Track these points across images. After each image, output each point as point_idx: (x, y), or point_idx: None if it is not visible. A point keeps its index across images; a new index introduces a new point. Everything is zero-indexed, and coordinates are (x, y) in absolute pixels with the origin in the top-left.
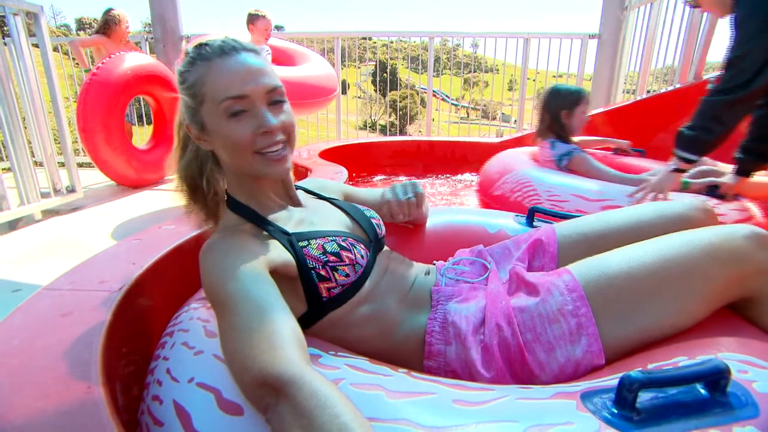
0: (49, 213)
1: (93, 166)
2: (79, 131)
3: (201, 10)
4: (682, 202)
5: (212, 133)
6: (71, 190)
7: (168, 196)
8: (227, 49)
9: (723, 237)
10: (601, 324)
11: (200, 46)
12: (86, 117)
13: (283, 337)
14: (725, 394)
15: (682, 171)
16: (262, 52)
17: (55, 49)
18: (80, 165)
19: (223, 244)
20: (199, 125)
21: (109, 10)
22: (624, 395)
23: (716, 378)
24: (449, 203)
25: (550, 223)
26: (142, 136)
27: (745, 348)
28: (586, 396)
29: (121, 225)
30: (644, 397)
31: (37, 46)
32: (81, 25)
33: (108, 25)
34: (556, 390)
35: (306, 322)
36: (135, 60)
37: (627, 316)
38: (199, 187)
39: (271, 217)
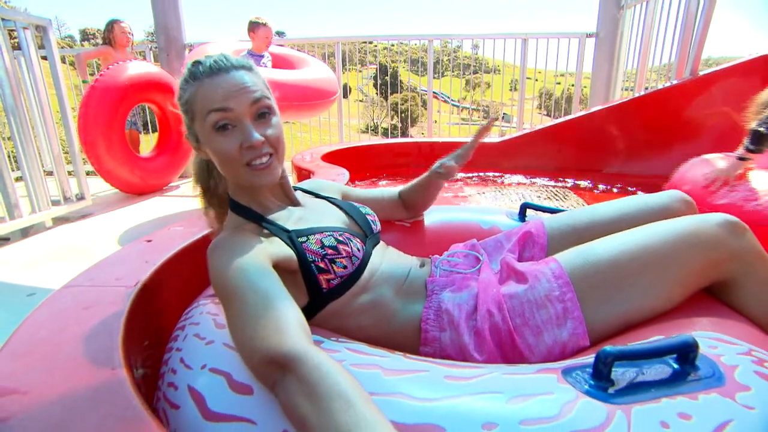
0: (59, 220)
1: None
2: (81, 143)
3: (204, 19)
4: (664, 194)
5: (205, 147)
6: (80, 197)
7: (174, 202)
8: (217, 69)
9: (698, 225)
10: (585, 308)
11: (195, 64)
12: (87, 129)
13: (287, 322)
14: (694, 366)
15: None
16: (255, 68)
17: (62, 60)
18: (89, 173)
19: (229, 241)
20: (195, 139)
21: (112, 21)
22: (600, 368)
23: (685, 351)
24: (449, 202)
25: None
26: (148, 143)
27: (717, 326)
28: (566, 371)
29: (129, 230)
30: (620, 371)
31: (45, 58)
32: (85, 35)
33: (110, 35)
34: (540, 367)
35: (308, 313)
36: (134, 69)
37: (610, 300)
38: (209, 189)
39: (271, 217)
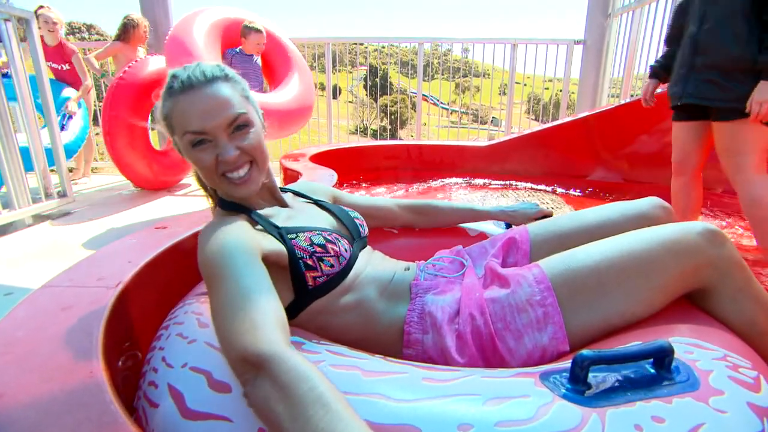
0: (40, 218)
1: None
2: (104, 135)
3: None
4: (644, 200)
5: (185, 158)
6: (62, 194)
7: (161, 203)
8: (189, 85)
9: (680, 233)
10: (566, 313)
11: (172, 77)
12: (111, 122)
13: (266, 318)
14: (670, 371)
15: None
16: (231, 74)
17: None
18: (71, 170)
19: (223, 224)
20: (178, 149)
21: (127, 16)
22: (576, 372)
23: (661, 356)
24: None
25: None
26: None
27: (695, 333)
28: (544, 375)
29: (112, 229)
30: (598, 376)
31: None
32: (71, 29)
33: (126, 30)
34: (517, 371)
35: (293, 310)
36: (158, 64)
37: (591, 306)
38: (208, 187)
39: (261, 212)
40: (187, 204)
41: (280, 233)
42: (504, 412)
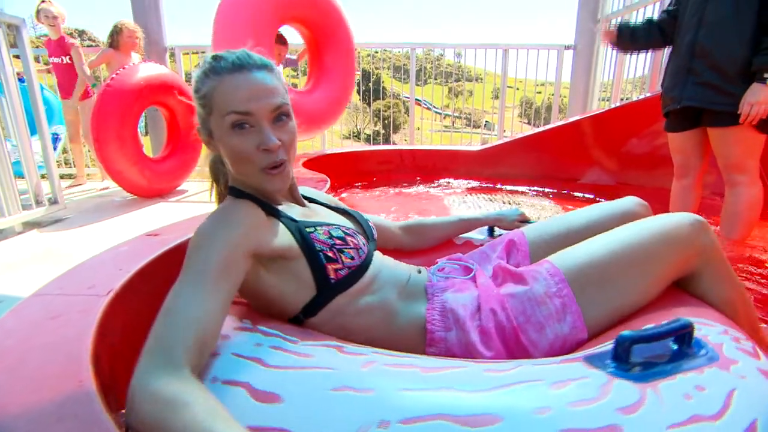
0: (30, 225)
1: (74, 177)
2: (93, 141)
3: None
4: (625, 200)
5: (218, 142)
6: (53, 201)
7: (155, 209)
8: (239, 65)
9: (674, 224)
10: (581, 303)
11: (216, 58)
12: (100, 128)
13: (177, 332)
14: (690, 346)
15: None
16: (275, 68)
17: (36, 60)
18: (62, 177)
19: (229, 211)
20: (208, 132)
21: (120, 24)
22: (620, 352)
23: (684, 332)
24: (427, 210)
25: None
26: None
27: (694, 313)
28: (588, 359)
29: (104, 237)
30: (633, 354)
31: (18, 57)
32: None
33: (113, 36)
34: (562, 358)
35: (314, 307)
36: (149, 70)
37: (601, 296)
38: (219, 183)
39: (279, 208)
40: (182, 211)
41: (298, 228)
42: (571, 394)
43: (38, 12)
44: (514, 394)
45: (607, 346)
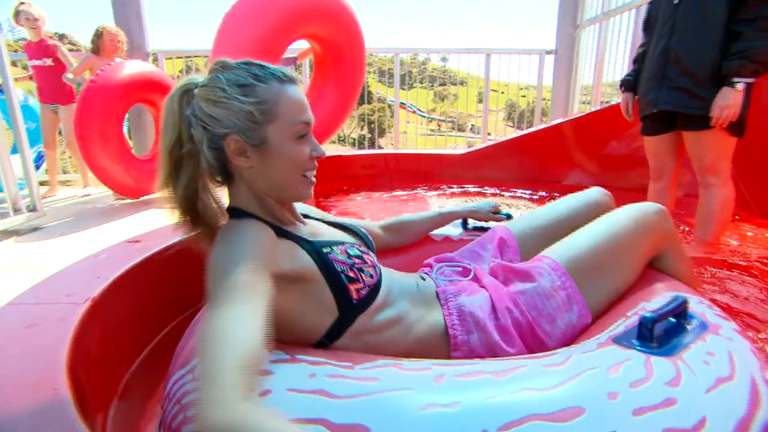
0: (7, 233)
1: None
2: (77, 138)
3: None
4: (592, 190)
5: (270, 151)
6: (32, 209)
7: (138, 217)
8: (290, 78)
9: (644, 213)
10: (583, 291)
11: (261, 66)
12: (83, 124)
13: (228, 360)
14: (686, 318)
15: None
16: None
17: (13, 64)
18: (42, 183)
19: (242, 229)
20: (256, 141)
21: (101, 28)
22: (644, 332)
23: (684, 307)
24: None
25: (482, 226)
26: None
27: (671, 287)
28: (616, 340)
29: (83, 245)
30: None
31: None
32: None
33: (94, 41)
34: (596, 343)
35: (338, 330)
36: (134, 68)
37: (598, 282)
38: (199, 202)
39: (288, 229)
40: (167, 218)
41: (314, 248)
42: (628, 375)
43: (18, 14)
44: (583, 384)
45: (618, 327)
